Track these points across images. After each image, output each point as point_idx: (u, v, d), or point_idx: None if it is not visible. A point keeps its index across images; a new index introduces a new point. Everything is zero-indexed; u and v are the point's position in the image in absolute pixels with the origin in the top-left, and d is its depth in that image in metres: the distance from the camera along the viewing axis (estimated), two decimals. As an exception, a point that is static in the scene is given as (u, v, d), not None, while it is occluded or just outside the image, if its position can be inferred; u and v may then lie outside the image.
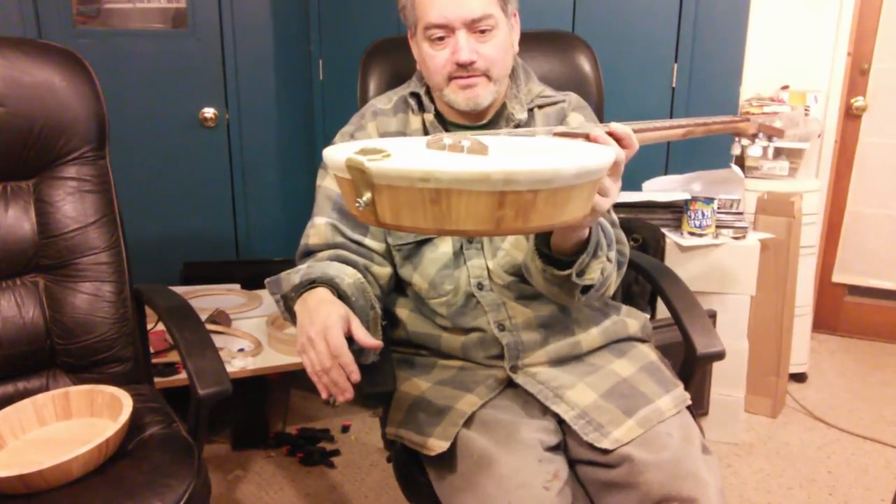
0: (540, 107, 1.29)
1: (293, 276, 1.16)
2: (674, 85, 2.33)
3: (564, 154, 0.85)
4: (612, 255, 1.12)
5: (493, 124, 1.27)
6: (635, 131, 1.00)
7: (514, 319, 1.22)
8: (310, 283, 1.10)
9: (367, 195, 0.78)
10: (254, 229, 2.67)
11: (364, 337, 1.00)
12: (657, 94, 2.35)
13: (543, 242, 1.07)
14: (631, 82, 2.33)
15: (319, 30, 2.68)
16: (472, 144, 0.81)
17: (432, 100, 1.28)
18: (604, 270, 1.10)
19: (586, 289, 1.10)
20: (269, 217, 2.69)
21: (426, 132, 1.27)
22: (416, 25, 1.21)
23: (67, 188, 1.39)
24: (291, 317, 1.17)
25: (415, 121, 1.28)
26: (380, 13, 2.55)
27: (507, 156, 0.81)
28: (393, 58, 1.51)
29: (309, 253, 1.25)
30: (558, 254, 1.06)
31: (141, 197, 2.43)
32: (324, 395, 0.99)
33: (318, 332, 0.98)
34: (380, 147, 0.82)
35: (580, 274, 1.06)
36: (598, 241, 1.06)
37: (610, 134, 0.96)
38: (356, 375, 0.98)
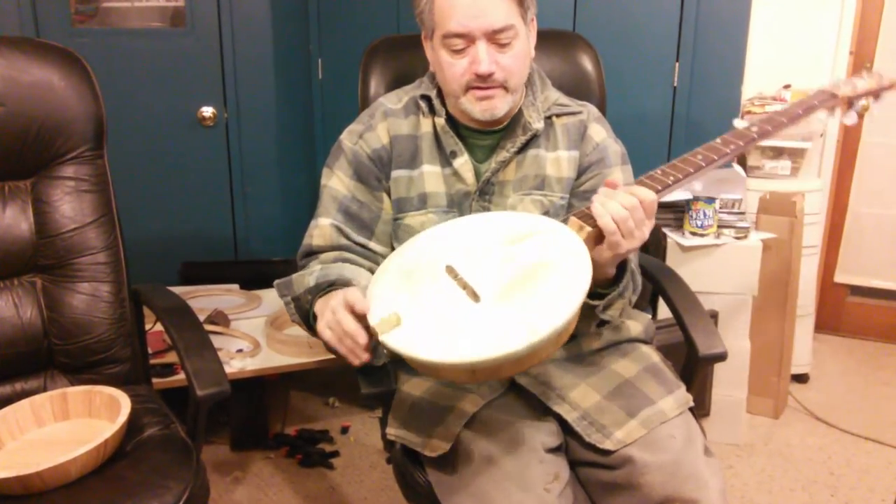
0: (558, 115, 1.27)
1: (307, 278, 1.16)
2: (675, 84, 2.32)
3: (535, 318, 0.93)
4: (634, 298, 1.20)
5: (508, 131, 1.25)
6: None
7: None
8: (328, 286, 1.13)
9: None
10: (252, 229, 2.66)
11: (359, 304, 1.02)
12: (659, 94, 2.34)
13: None
14: (632, 81, 2.32)
15: (319, 29, 2.67)
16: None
17: (443, 103, 1.25)
18: (622, 310, 1.17)
19: (602, 323, 1.17)
20: (268, 217, 2.68)
21: (437, 136, 1.25)
22: (433, 31, 1.18)
23: (65, 188, 1.39)
24: (301, 318, 1.17)
25: (425, 124, 1.26)
26: (380, 13, 2.54)
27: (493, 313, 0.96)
28: (394, 57, 1.50)
29: (312, 253, 1.24)
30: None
31: (139, 196, 2.42)
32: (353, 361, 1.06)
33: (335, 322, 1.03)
34: (391, 317, 0.98)
35: (605, 308, 1.13)
36: (627, 283, 1.13)
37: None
38: (363, 339, 1.01)
